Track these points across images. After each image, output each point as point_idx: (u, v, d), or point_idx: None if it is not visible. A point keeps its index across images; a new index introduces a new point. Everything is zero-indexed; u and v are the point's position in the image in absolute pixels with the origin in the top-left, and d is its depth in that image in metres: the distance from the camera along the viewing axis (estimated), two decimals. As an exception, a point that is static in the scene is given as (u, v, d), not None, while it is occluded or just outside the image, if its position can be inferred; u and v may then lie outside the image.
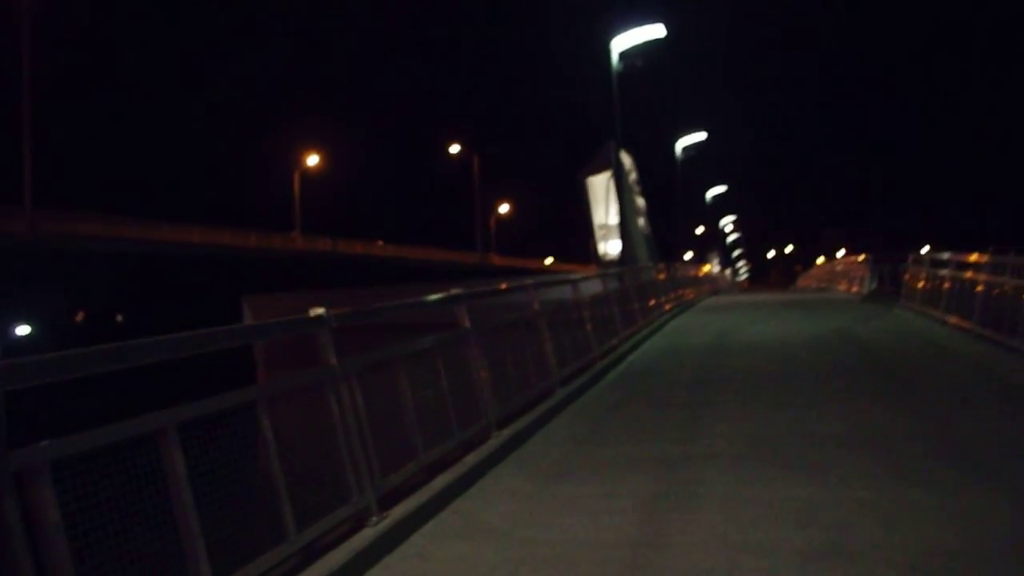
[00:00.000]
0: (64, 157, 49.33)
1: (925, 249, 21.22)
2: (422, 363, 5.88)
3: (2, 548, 2.68)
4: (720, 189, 67.40)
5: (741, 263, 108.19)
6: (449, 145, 72.84)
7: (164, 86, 78.67)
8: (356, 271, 53.73)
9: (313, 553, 4.11)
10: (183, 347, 3.63)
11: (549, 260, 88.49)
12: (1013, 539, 4.31)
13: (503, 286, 9.09)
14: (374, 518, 4.60)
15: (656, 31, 22.70)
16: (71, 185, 49.63)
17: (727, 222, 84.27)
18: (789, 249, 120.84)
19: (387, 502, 4.85)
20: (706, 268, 46.65)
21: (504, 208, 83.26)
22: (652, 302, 17.94)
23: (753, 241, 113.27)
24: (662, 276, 21.45)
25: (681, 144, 44.27)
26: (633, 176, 31.14)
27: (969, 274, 13.23)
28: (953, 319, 13.54)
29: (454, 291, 6.86)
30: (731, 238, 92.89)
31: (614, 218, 27.47)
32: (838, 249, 74.71)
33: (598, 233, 31.76)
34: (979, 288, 12.45)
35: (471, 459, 6.02)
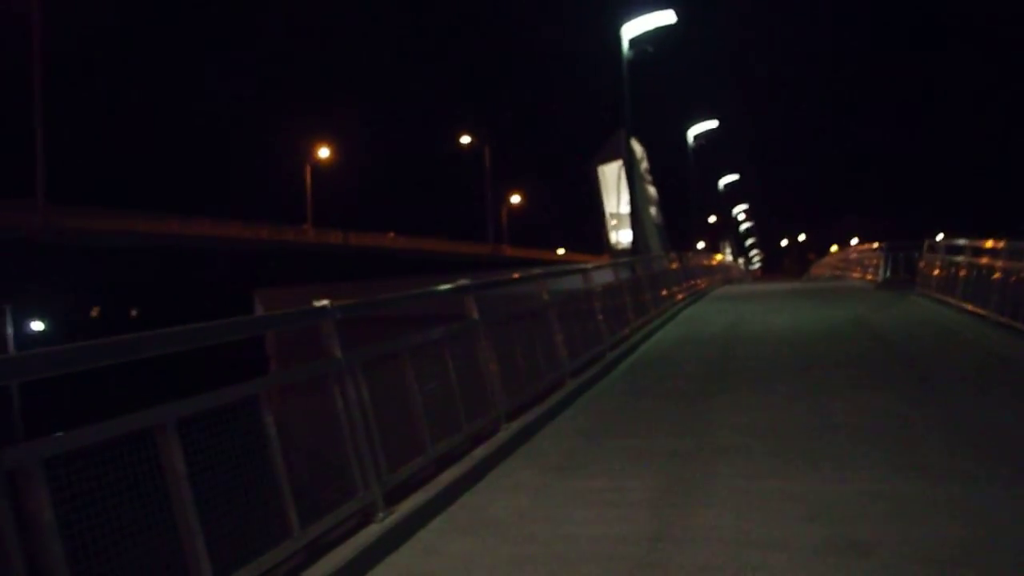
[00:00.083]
0: (76, 153, 49.51)
1: (940, 236, 20.97)
2: (430, 355, 5.81)
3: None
4: (732, 177, 67.15)
5: (754, 252, 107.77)
6: (460, 136, 72.85)
7: (175, 80, 78.85)
8: (368, 263, 53.81)
9: (318, 549, 4.05)
10: (179, 341, 3.57)
11: (561, 251, 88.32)
12: (1034, 532, 4.20)
13: (515, 275, 8.99)
14: (380, 513, 4.54)
15: (666, 17, 22.52)
16: (83, 181, 49.85)
17: (740, 211, 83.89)
18: (802, 238, 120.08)
19: (394, 497, 4.78)
20: (719, 257, 46.42)
21: (516, 199, 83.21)
22: (664, 291, 17.82)
23: (766, 230, 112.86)
24: (675, 265, 21.32)
25: (692, 132, 44.08)
26: (645, 164, 31.00)
27: (985, 260, 13.04)
28: (970, 306, 13.35)
29: (462, 282, 6.78)
30: (744, 227, 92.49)
31: (625, 207, 27.35)
32: (852, 237, 74.17)
33: (610, 222, 31.69)
34: (996, 275, 12.27)
35: (480, 452, 5.95)
